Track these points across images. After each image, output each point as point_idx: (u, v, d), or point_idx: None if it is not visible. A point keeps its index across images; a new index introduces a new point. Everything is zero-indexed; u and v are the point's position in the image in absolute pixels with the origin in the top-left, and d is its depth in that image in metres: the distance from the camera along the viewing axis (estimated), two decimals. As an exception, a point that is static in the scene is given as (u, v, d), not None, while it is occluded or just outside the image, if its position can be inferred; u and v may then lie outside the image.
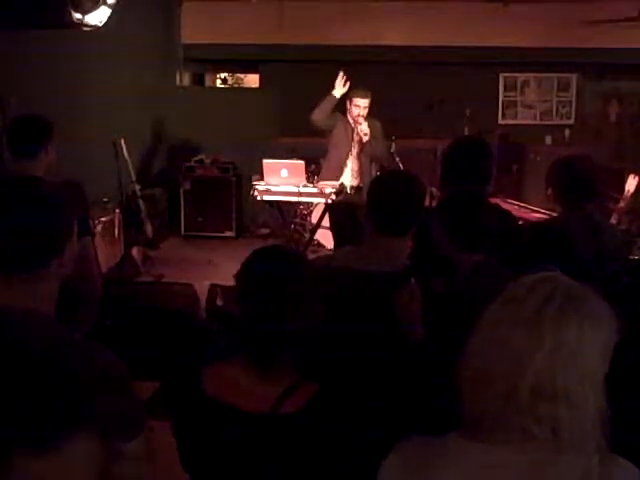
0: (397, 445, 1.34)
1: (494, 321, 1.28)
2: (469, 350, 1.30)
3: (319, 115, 6.07)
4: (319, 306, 1.71)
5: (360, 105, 6.05)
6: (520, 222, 5.86)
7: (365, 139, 6.09)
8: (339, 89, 6.08)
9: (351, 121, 6.13)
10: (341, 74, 6.09)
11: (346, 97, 6.12)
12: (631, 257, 4.07)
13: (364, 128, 6.04)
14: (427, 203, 5.31)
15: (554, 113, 10.44)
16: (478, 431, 1.25)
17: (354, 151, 6.25)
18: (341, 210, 6.14)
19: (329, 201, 6.02)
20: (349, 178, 6.28)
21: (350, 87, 6.16)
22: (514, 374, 1.21)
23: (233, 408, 1.61)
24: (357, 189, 6.15)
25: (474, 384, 1.26)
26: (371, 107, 6.17)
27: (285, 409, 1.59)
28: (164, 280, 6.34)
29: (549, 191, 3.20)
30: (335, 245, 6.47)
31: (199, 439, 1.66)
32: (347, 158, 6.26)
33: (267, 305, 1.64)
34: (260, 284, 1.66)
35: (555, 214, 3.55)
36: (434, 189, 7.40)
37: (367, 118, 6.12)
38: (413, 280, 2.23)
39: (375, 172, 6.67)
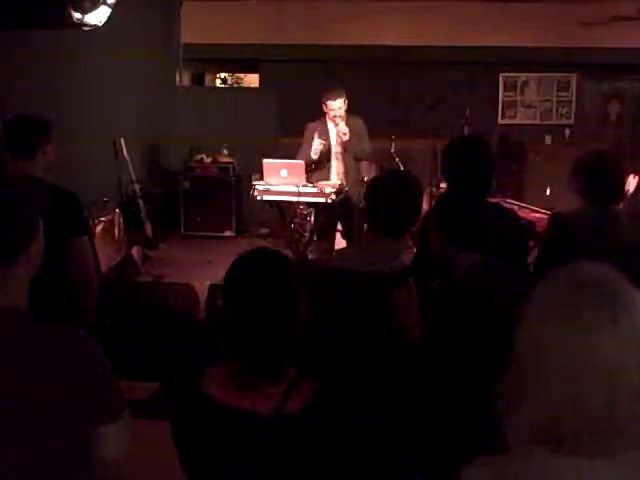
0: (472, 468, 1.27)
1: (550, 322, 1.22)
2: (525, 352, 1.25)
3: (303, 159, 6.14)
4: (305, 308, 1.69)
5: (334, 107, 6.00)
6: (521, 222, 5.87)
7: (345, 139, 6.05)
8: (316, 149, 6.06)
9: (330, 122, 6.09)
10: (316, 139, 6.04)
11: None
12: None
13: (342, 128, 6.00)
14: (427, 204, 5.32)
15: (554, 113, 10.43)
16: (565, 443, 1.18)
17: (337, 153, 6.21)
18: (324, 209, 6.15)
19: (329, 201, 6.01)
20: (335, 180, 6.25)
21: (327, 87, 6.13)
22: (604, 378, 1.17)
23: (237, 410, 1.60)
24: (338, 192, 6.10)
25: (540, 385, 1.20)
26: (370, 110, 6.13)
27: (289, 408, 1.58)
28: (164, 280, 6.34)
29: (548, 191, 3.20)
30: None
31: (204, 444, 1.64)
32: (330, 159, 6.24)
33: (252, 313, 1.62)
34: (245, 291, 1.64)
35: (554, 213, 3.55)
36: (434, 189, 7.43)
37: (347, 116, 6.08)
38: (411, 280, 2.23)
39: (365, 171, 6.65)
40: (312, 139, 6.05)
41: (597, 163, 3.12)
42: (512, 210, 3.43)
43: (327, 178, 6.23)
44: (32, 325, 1.65)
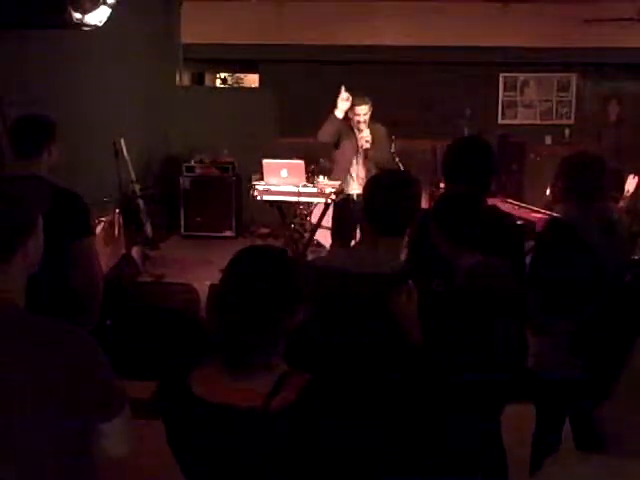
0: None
1: None
2: None
3: (324, 136, 6.05)
4: (300, 307, 1.70)
5: (360, 113, 5.99)
6: (520, 222, 5.87)
7: (367, 146, 6.03)
8: (341, 107, 6.01)
9: (354, 128, 6.09)
10: (343, 92, 6.02)
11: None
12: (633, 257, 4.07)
13: (365, 135, 5.99)
14: (427, 203, 5.33)
15: (554, 113, 10.45)
16: None
17: (359, 158, 6.19)
18: (344, 212, 6.14)
19: (329, 201, 6.01)
20: (356, 185, 6.23)
21: (350, 92, 6.09)
22: None
23: (223, 406, 1.60)
24: (338, 192, 6.09)
25: None
26: (373, 112, 6.11)
27: (277, 403, 1.58)
28: (164, 280, 6.34)
29: (548, 191, 3.20)
30: (332, 244, 6.49)
31: (192, 441, 1.65)
32: (351, 166, 6.22)
33: (241, 312, 1.62)
34: (236, 289, 1.65)
35: (555, 214, 3.55)
36: (434, 189, 7.43)
37: (370, 123, 6.07)
38: (410, 281, 2.23)
39: None
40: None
41: (577, 163, 3.12)
42: (508, 212, 3.43)
43: (346, 182, 6.21)
44: (30, 321, 1.65)
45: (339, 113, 5.99)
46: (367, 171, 6.18)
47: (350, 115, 6.04)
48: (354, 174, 6.23)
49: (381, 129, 6.13)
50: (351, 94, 6.05)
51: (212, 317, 1.71)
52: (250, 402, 1.58)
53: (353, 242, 6.34)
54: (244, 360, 1.63)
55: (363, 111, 5.99)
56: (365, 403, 2.28)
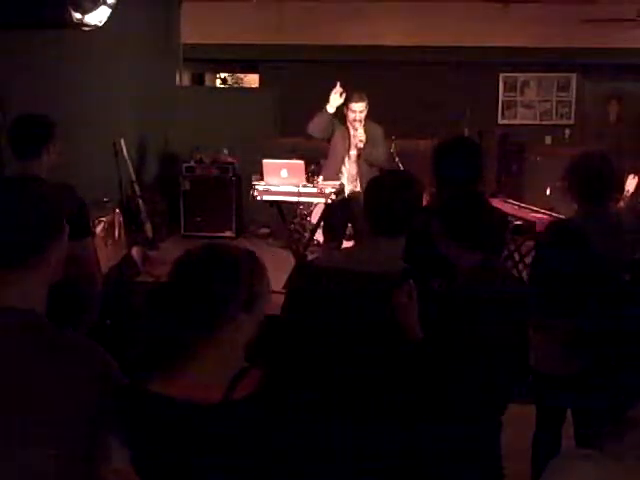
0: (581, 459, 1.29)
1: None
2: None
3: (314, 130, 6.01)
4: (257, 305, 1.67)
5: (356, 110, 5.93)
6: (519, 222, 5.87)
7: (360, 145, 6.00)
8: (333, 103, 5.97)
9: (349, 126, 6.06)
10: (337, 87, 5.99)
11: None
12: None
13: (359, 134, 5.95)
14: (427, 203, 5.32)
15: (554, 113, 10.45)
16: None
17: (352, 156, 6.16)
18: (335, 209, 6.14)
19: (329, 201, 6.01)
20: (346, 183, 6.22)
21: (347, 90, 6.07)
22: None
23: (183, 402, 1.57)
24: (355, 193, 6.10)
25: None
26: (370, 110, 6.08)
27: (237, 395, 1.56)
28: (164, 280, 6.33)
29: (548, 191, 3.20)
30: (325, 242, 6.50)
31: (150, 440, 1.61)
32: (343, 164, 6.19)
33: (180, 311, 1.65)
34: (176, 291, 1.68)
35: (554, 214, 3.55)
36: (434, 189, 7.42)
37: (367, 122, 6.02)
38: (410, 281, 2.23)
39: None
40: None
41: (589, 164, 3.11)
42: (497, 208, 3.43)
43: (336, 179, 6.19)
44: (47, 330, 1.62)
45: (330, 108, 5.95)
46: (359, 169, 6.15)
47: (345, 112, 6.01)
48: (345, 171, 6.21)
49: (377, 128, 6.08)
50: (348, 90, 6.02)
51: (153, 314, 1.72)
52: (210, 397, 1.56)
53: (344, 240, 6.36)
54: (191, 357, 1.61)
55: (359, 108, 5.94)
56: (363, 401, 2.28)
